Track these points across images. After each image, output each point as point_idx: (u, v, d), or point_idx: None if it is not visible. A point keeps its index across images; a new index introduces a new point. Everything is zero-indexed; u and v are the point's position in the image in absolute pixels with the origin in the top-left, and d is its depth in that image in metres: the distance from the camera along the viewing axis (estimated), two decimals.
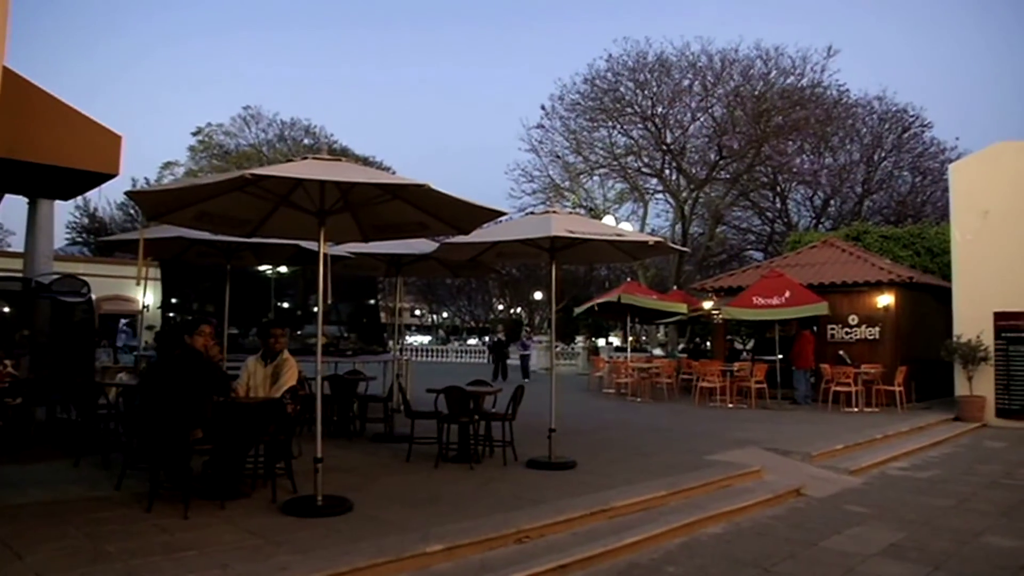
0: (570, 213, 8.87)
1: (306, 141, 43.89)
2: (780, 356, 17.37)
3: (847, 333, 16.93)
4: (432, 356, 40.65)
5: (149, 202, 7.04)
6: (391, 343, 16.69)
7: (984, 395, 14.98)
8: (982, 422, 14.67)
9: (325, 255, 6.59)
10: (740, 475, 8.56)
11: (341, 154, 29.99)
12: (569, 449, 8.74)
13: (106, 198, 41.84)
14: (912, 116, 36.37)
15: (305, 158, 6.68)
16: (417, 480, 7.67)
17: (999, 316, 14.99)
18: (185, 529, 5.56)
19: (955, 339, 15.34)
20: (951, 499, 8.48)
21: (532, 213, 10.05)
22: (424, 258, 10.64)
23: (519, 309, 54.17)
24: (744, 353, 18.33)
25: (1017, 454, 11.77)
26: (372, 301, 18.09)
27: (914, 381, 15.86)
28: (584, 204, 36.48)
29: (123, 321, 24.16)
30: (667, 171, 36.05)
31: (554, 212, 8.46)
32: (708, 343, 19.20)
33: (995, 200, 15.23)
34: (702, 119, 35.57)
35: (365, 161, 40.91)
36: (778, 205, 37.88)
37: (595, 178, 37.80)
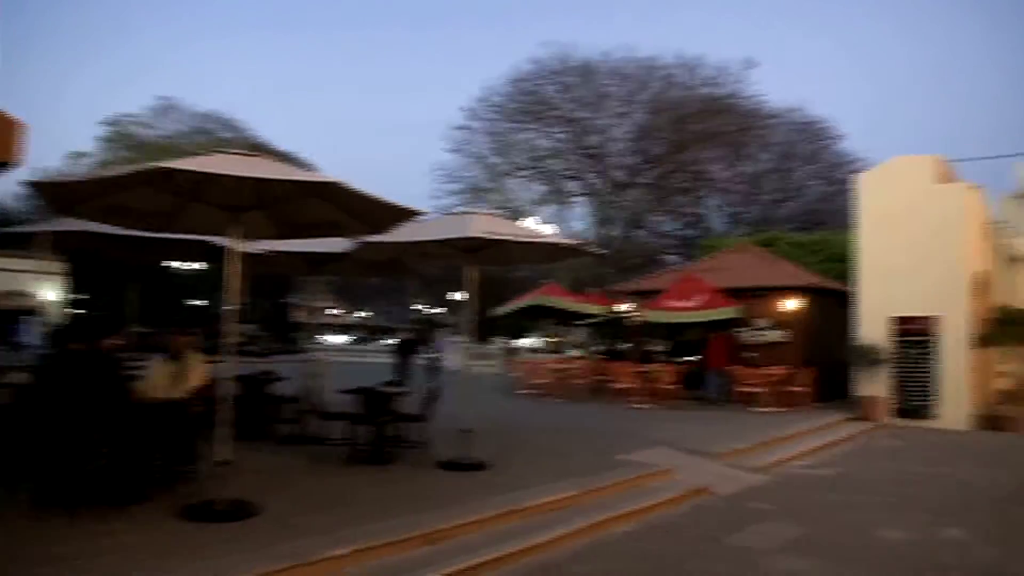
0: (489, 214, 8.87)
1: (226, 135, 42.77)
2: (695, 358, 17.81)
3: (758, 336, 17.47)
4: (350, 356, 40.14)
5: (54, 194, 6.75)
6: (307, 343, 16.42)
7: (882, 395, 15.66)
8: (880, 421, 15.33)
9: (239, 252, 6.45)
10: (650, 475, 8.74)
11: (260, 149, 29.35)
12: (483, 450, 8.78)
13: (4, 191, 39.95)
14: (825, 128, 37.85)
15: (219, 152, 6.50)
16: (328, 482, 7.57)
17: (896, 320, 15.72)
18: (70, 538, 5.29)
19: (855, 342, 16.00)
20: (848, 495, 8.85)
21: (452, 214, 10.01)
22: (341, 257, 10.50)
23: (440, 309, 53.99)
24: (660, 355, 18.67)
25: (911, 452, 12.36)
26: (288, 300, 17.79)
27: (819, 382, 16.47)
28: (507, 205, 36.66)
29: (23, 318, 23.09)
30: (589, 174, 36.53)
31: (472, 213, 8.48)
32: (625, 345, 19.50)
33: (894, 210, 15.95)
34: (624, 124, 36.20)
35: (286, 157, 40.13)
36: (696, 210, 38.81)
37: (517, 180, 38.03)
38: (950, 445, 13.03)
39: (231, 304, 6.67)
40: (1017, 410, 15.85)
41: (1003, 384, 17.52)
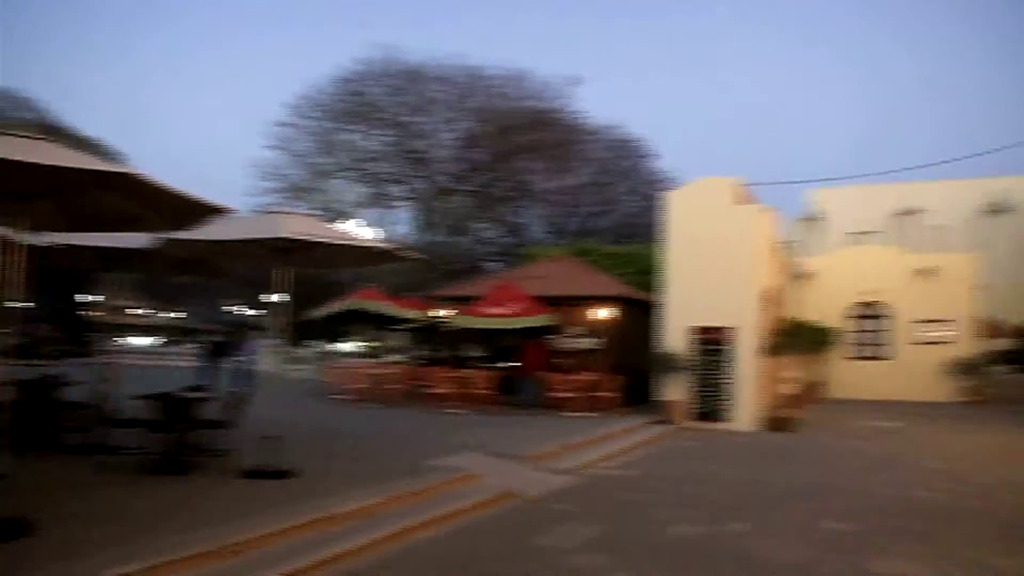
0: (303, 215, 8.65)
1: (21, 115, 38.99)
2: (511, 364, 18.21)
3: (571, 343, 18.10)
4: (157, 359, 37.75)
5: None
6: (102, 344, 15.30)
7: (682, 400, 16.69)
8: (680, 424, 16.31)
9: (19, 244, 5.91)
10: (459, 479, 8.84)
11: (56, 133, 27.01)
12: (292, 457, 8.53)
13: None
14: (641, 146, 39.93)
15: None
16: (117, 495, 7.08)
17: (696, 330, 16.81)
18: None
19: (659, 350, 16.96)
20: (647, 495, 9.34)
21: (264, 212, 9.65)
22: (141, 253, 9.87)
23: (255, 311, 51.95)
24: (477, 361, 18.94)
25: (706, 452, 13.23)
26: (81, 298, 16.48)
27: (627, 387, 17.28)
28: (329, 206, 35.92)
29: None
30: (413, 179, 36.51)
31: (285, 212, 8.25)
32: (443, 350, 19.61)
33: (697, 228, 17.05)
34: (451, 131, 36.49)
35: (88, 143, 37.17)
36: (518, 219, 39.72)
37: (340, 180, 37.37)
38: (740, 445, 14.07)
39: (9, 301, 6.10)
40: (798, 412, 17.38)
41: (787, 389, 19.16)
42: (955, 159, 63.88)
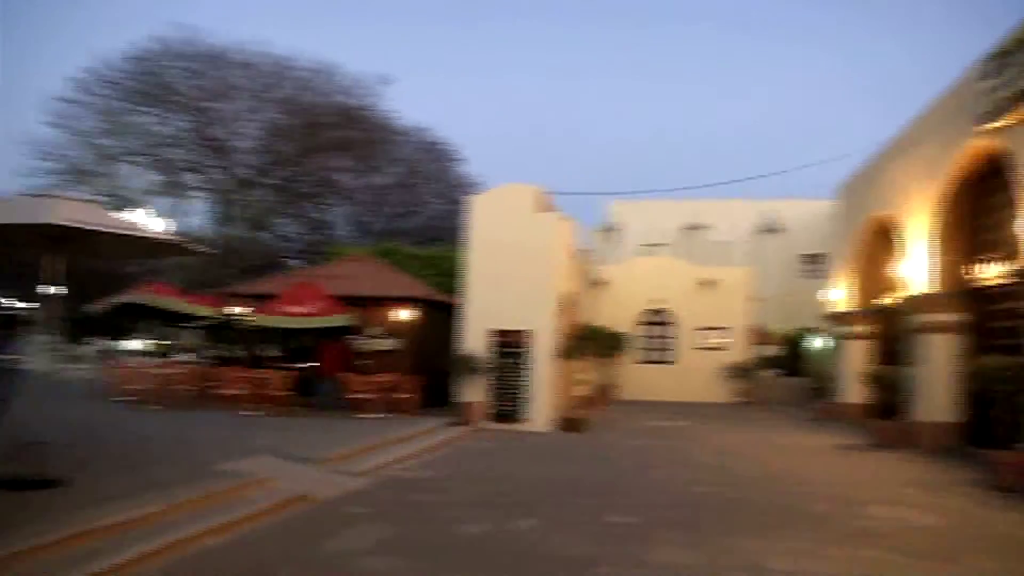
0: (81, 201, 7.96)
1: None
2: (309, 364, 17.75)
3: (372, 343, 17.94)
4: None
5: None
6: None
7: (480, 401, 17.00)
8: (478, 425, 16.60)
9: None
10: (249, 484, 8.52)
11: None
12: (62, 464, 7.85)
13: None
14: (449, 150, 40.25)
15: None
16: None
17: (495, 333, 17.18)
18: None
19: (459, 351, 17.19)
20: (441, 495, 9.44)
21: (34, 195, 8.75)
22: None
23: (28, 304, 47.29)
24: (274, 361, 18.30)
25: (501, 452, 13.55)
26: None
27: (427, 389, 17.36)
28: (116, 192, 33.35)
29: None
30: (211, 168, 34.71)
31: (59, 197, 7.57)
32: (239, 350, 18.78)
33: (498, 233, 17.45)
34: (254, 120, 35.04)
35: None
36: (322, 216, 38.82)
37: (130, 165, 34.82)
38: (534, 445, 14.53)
39: None
40: (590, 413, 18.21)
41: (581, 391, 20.05)
42: (735, 180, 69.72)
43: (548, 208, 18.63)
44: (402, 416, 15.94)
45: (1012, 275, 12.86)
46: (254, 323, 16.99)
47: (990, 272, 14.49)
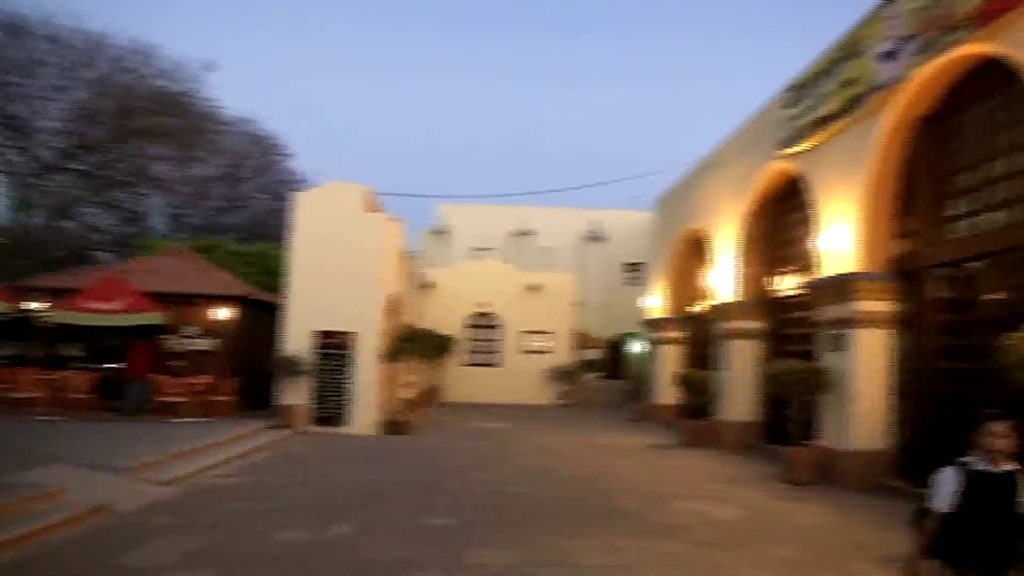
0: None
1: None
2: (116, 365, 16.59)
3: (186, 343, 17.05)
4: None
5: None
6: None
7: (303, 404, 16.56)
8: (299, 429, 16.16)
9: None
10: (41, 496, 7.87)
11: None
12: None
13: None
14: (276, 144, 38.90)
15: None
16: None
17: (319, 334, 16.81)
18: None
19: (281, 353, 16.68)
20: (257, 502, 9.12)
21: None
22: None
23: None
24: (75, 361, 16.94)
25: (323, 457, 13.27)
26: None
27: (246, 391, 16.71)
28: None
29: None
30: (8, 149, 31.73)
31: None
32: (36, 349, 17.21)
33: (325, 232, 17.09)
34: (61, 100, 32.35)
35: None
36: (136, 207, 36.43)
37: None
38: (357, 449, 14.32)
39: None
40: (415, 416, 18.18)
41: (406, 394, 19.98)
42: (558, 189, 71.84)
43: (377, 208, 18.46)
44: (218, 420, 15.27)
45: (804, 287, 14.06)
46: (55, 320, 15.72)
47: (787, 283, 15.81)
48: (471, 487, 10.80)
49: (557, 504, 9.74)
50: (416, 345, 18.74)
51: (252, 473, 11.23)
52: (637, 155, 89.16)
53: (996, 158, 10.06)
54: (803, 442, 12.56)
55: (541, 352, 28.06)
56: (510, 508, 9.38)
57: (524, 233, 34.22)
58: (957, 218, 10.86)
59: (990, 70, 9.78)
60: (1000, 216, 9.95)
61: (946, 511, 4.19)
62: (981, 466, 4.20)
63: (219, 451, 12.37)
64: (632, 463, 13.91)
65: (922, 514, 4.37)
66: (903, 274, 11.71)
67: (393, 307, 18.45)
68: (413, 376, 21.27)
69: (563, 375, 27.63)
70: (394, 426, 16.89)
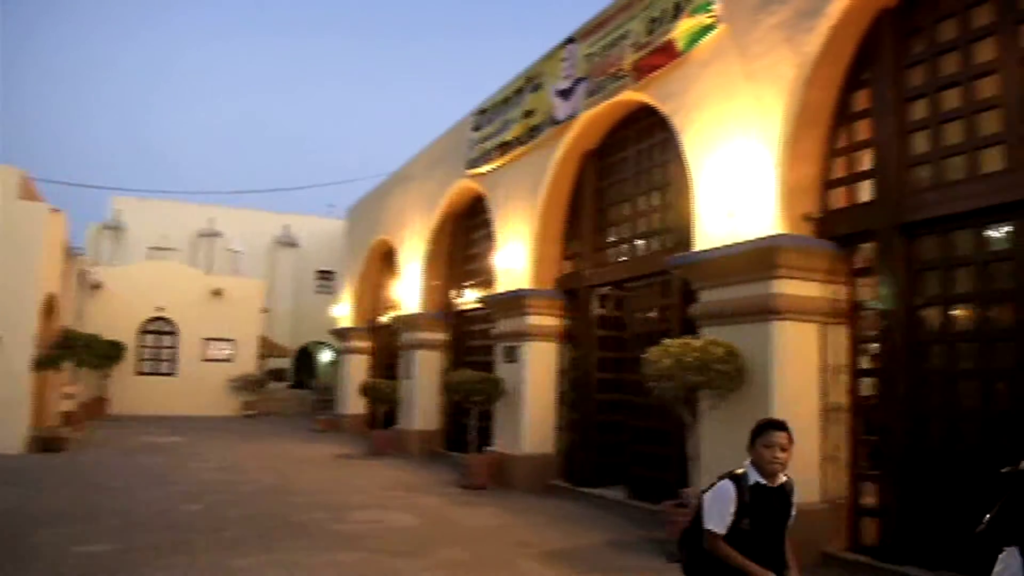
0: None
1: None
2: None
3: None
4: None
5: None
6: None
7: None
8: None
9: None
10: None
11: None
12: None
13: None
14: None
15: None
16: None
17: None
18: None
19: None
20: None
21: None
22: None
23: None
24: None
25: None
26: None
27: None
28: None
29: None
30: None
31: None
32: None
33: None
34: None
35: None
36: None
37: None
38: (1, 470, 12.58)
39: None
40: (75, 430, 16.39)
41: (65, 406, 17.93)
42: (244, 191, 68.93)
43: (36, 197, 16.45)
44: None
45: (484, 300, 14.87)
46: None
47: (470, 297, 16.60)
48: (138, 508, 9.89)
49: (235, 521, 9.27)
50: (79, 352, 16.87)
51: None
52: (340, 161, 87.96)
53: (646, 193, 11.43)
54: (481, 449, 13.25)
55: (224, 360, 26.67)
56: (184, 529, 8.71)
57: (211, 234, 32.26)
58: (614, 244, 12.16)
59: (644, 115, 11.08)
60: (646, 244, 11.33)
61: (723, 532, 3.58)
62: (757, 480, 3.65)
63: None
64: (317, 474, 13.72)
65: (690, 538, 3.82)
66: (569, 292, 12.83)
67: (52, 309, 16.51)
68: (74, 386, 19.16)
69: (248, 384, 26.48)
70: (47, 442, 15.07)
